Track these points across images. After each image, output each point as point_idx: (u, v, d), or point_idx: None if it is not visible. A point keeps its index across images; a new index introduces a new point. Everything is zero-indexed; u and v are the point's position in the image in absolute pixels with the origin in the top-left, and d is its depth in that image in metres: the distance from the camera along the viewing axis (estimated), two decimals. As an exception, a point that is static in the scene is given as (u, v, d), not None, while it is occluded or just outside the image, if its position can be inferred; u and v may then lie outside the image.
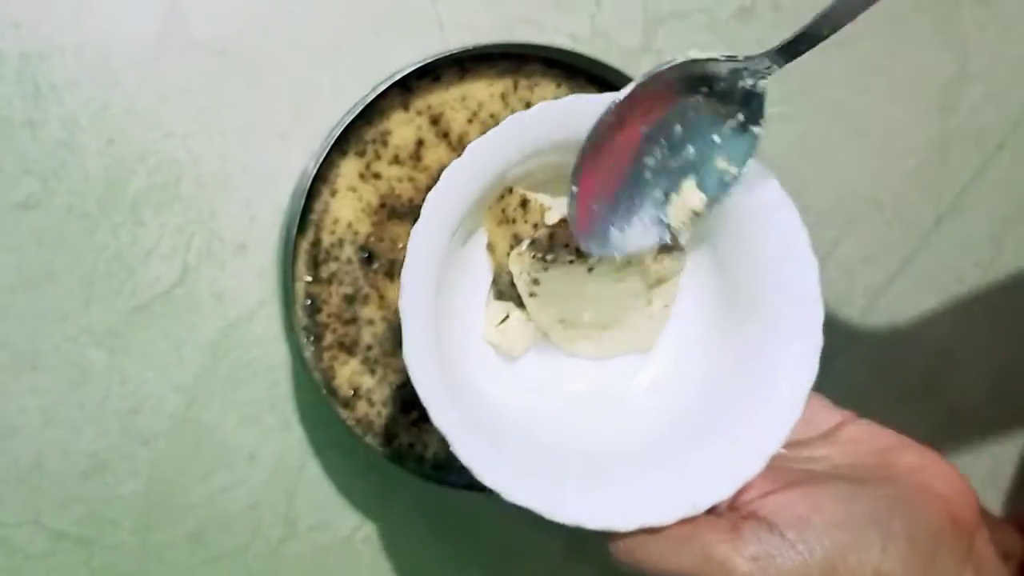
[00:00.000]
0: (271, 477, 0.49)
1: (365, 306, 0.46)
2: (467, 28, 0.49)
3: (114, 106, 0.47)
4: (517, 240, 0.39)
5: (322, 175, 0.45)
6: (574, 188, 0.34)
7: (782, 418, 0.36)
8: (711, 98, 0.33)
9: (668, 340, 0.40)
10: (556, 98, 0.47)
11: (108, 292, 0.47)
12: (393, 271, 0.46)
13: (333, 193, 0.45)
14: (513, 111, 0.47)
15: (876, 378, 0.57)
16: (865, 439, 0.38)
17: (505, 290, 0.40)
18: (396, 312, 0.46)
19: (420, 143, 0.46)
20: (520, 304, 0.40)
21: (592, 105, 0.34)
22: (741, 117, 0.33)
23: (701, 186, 0.34)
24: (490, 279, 0.40)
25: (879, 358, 0.57)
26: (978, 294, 0.59)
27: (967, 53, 0.57)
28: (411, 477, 0.46)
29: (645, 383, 0.40)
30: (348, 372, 0.46)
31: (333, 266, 0.45)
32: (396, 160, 0.46)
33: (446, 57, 0.44)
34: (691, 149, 0.34)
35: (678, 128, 0.33)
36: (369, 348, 0.46)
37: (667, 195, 0.34)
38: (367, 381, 0.46)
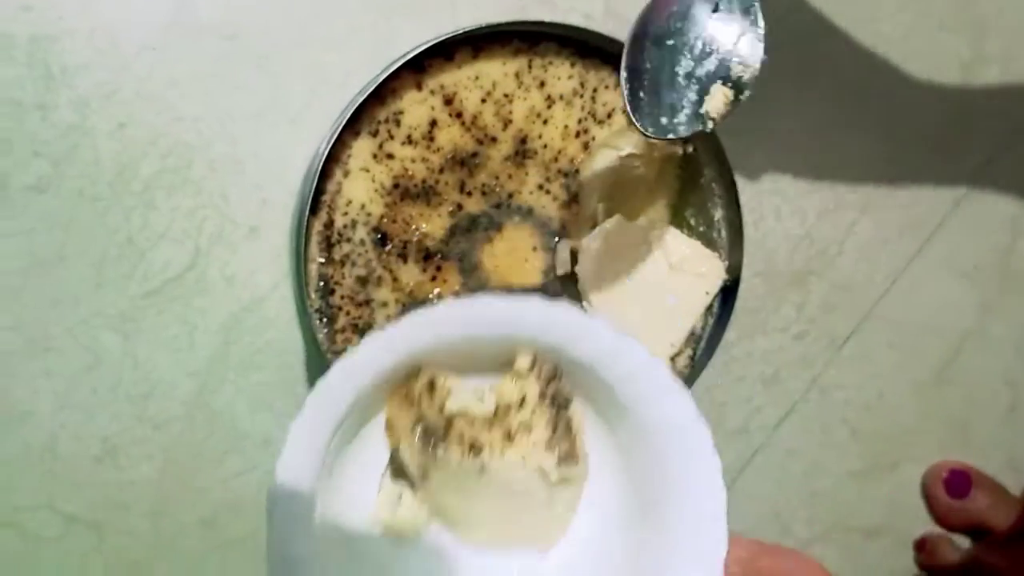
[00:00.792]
0: (284, 462, 0.49)
1: (378, 288, 0.46)
2: (479, 7, 0.48)
3: (125, 89, 0.47)
4: (418, 421, 0.37)
5: (335, 155, 0.44)
6: (624, 78, 0.40)
7: None
8: (718, 12, 0.40)
9: (571, 539, 0.39)
10: (571, 78, 0.47)
11: (120, 276, 0.47)
12: (406, 252, 0.46)
13: (346, 174, 0.45)
14: (527, 90, 0.47)
15: (893, 359, 0.57)
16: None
17: (401, 470, 0.38)
18: (410, 294, 0.46)
19: (433, 123, 0.45)
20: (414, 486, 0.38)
21: (493, 308, 0.35)
22: (747, 24, 0.40)
23: (726, 84, 0.40)
24: (387, 458, 0.38)
25: (896, 340, 0.57)
26: (996, 275, 0.58)
27: (984, 34, 0.56)
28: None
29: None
30: (361, 355, 0.45)
31: (346, 248, 0.45)
32: (409, 140, 0.45)
33: (459, 36, 0.44)
34: (713, 58, 0.40)
35: (700, 43, 0.40)
36: (382, 330, 0.46)
37: (701, 96, 0.40)
38: (381, 364, 0.45)
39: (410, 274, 0.46)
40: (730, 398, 0.54)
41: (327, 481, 0.35)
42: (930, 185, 0.57)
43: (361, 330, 0.45)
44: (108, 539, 0.47)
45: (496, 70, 0.46)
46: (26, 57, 0.45)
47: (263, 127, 0.48)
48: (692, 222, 0.49)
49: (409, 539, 0.38)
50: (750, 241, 0.48)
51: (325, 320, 0.45)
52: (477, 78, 0.46)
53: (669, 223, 0.48)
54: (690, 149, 0.47)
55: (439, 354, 0.36)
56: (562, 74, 0.47)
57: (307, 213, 0.43)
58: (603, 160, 0.47)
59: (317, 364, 0.48)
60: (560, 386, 0.38)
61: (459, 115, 0.46)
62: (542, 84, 0.47)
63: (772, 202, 0.55)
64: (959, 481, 0.53)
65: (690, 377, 0.48)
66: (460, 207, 0.46)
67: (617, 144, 0.47)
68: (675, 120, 0.40)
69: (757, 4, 0.40)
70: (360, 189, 0.45)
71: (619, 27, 0.49)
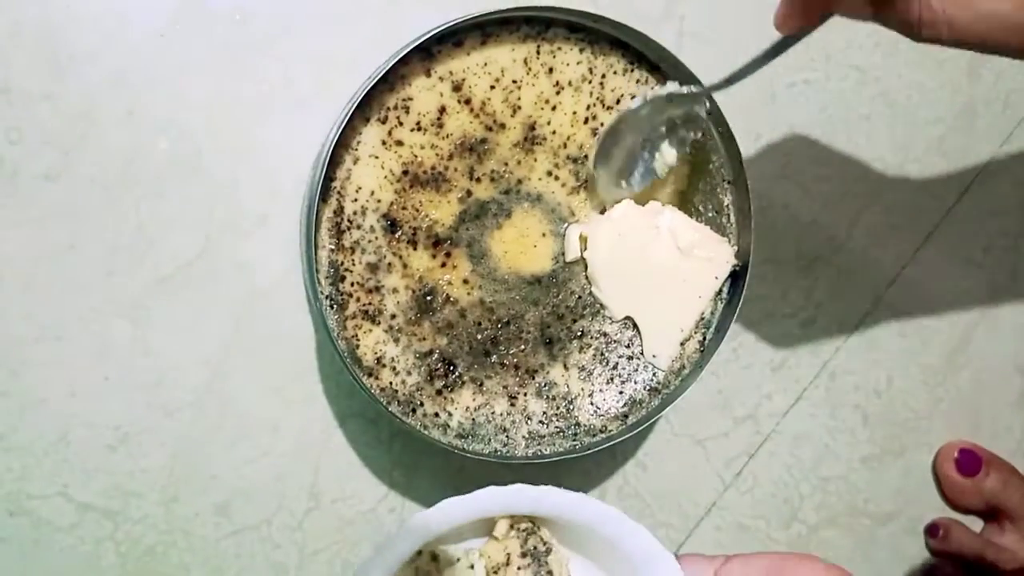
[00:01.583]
0: (295, 448, 0.49)
1: (389, 274, 0.46)
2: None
3: (133, 77, 0.47)
4: None
5: (344, 142, 0.44)
6: (594, 170, 0.47)
7: None
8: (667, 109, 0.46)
9: None
10: (579, 64, 0.47)
11: (131, 264, 0.47)
12: (416, 239, 0.46)
13: (355, 161, 0.45)
14: (536, 76, 0.46)
15: (903, 345, 0.56)
16: (740, 572, 0.42)
17: None
18: (419, 280, 0.46)
19: (442, 110, 0.45)
20: None
21: (474, 502, 0.43)
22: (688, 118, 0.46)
23: (672, 146, 0.47)
24: None
25: (906, 326, 0.57)
26: (1006, 261, 0.58)
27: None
28: (435, 447, 0.46)
29: None
30: (372, 341, 0.45)
31: (356, 234, 0.45)
32: (418, 127, 0.45)
33: (468, 22, 0.44)
34: (663, 132, 0.47)
35: (659, 130, 0.47)
36: (393, 317, 0.46)
37: (652, 156, 0.47)
38: (391, 350, 0.46)
39: (420, 260, 0.46)
40: (739, 384, 0.54)
41: None
42: (939, 171, 0.57)
43: (371, 316, 0.45)
44: (122, 526, 0.47)
45: (505, 56, 0.46)
46: (34, 45, 0.45)
47: (272, 114, 0.48)
48: (701, 207, 0.49)
49: None
50: (759, 227, 0.48)
51: (335, 307, 0.45)
52: (486, 64, 0.46)
53: (678, 208, 0.48)
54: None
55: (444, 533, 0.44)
56: (571, 60, 0.47)
57: (317, 200, 0.43)
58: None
59: (327, 351, 0.48)
60: (538, 537, 0.46)
61: (468, 101, 0.46)
62: (551, 70, 0.47)
63: (781, 188, 0.54)
64: (970, 460, 0.53)
65: (700, 362, 0.48)
66: (469, 193, 0.46)
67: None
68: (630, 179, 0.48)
69: (706, 99, 0.45)
70: (370, 176, 0.45)
71: (627, 13, 0.49)
